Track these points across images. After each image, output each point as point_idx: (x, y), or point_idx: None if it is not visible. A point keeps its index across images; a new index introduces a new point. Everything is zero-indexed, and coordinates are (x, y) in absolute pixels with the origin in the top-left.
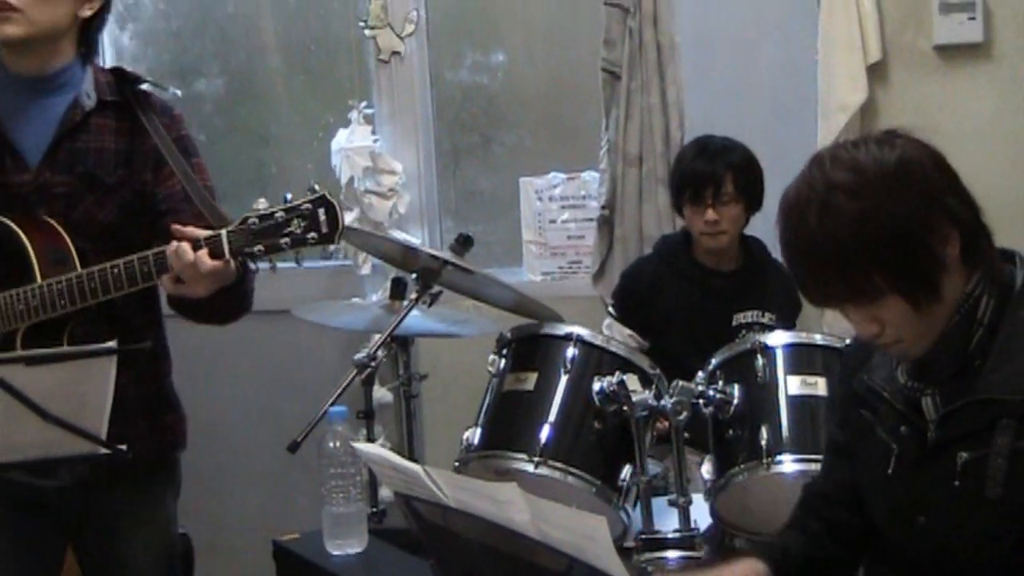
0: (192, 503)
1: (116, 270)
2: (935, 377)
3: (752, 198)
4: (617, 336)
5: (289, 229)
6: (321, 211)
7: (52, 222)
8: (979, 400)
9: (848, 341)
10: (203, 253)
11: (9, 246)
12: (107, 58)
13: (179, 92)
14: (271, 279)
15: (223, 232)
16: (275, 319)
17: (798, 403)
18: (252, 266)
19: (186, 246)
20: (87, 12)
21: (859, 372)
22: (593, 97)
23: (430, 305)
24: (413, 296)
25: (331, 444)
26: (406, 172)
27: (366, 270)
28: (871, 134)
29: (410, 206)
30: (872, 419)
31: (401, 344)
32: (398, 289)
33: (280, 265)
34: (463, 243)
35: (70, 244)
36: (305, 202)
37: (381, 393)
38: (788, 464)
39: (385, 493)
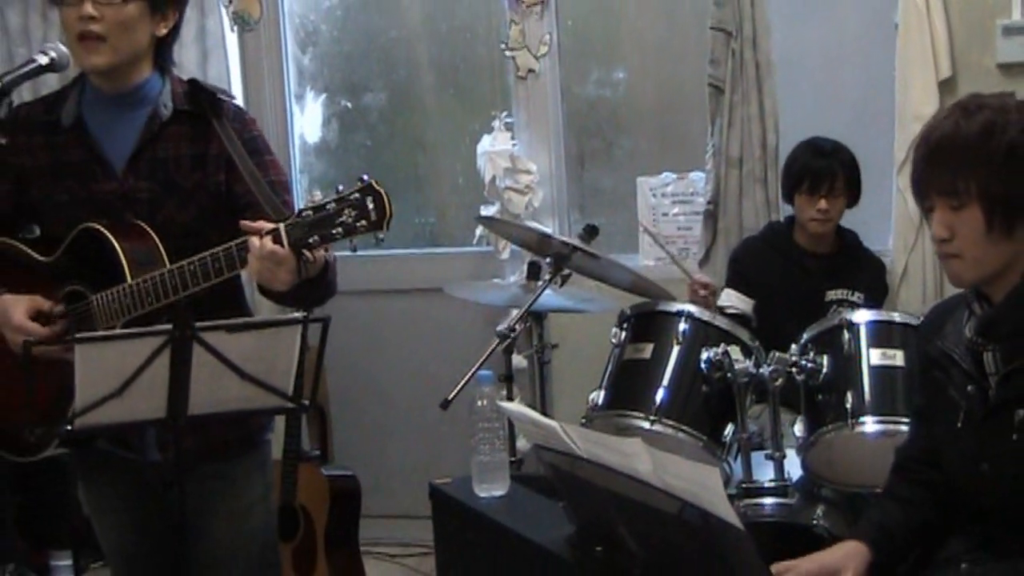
0: (360, 450)
1: (193, 267)
2: (998, 333)
3: (854, 193)
4: (726, 299)
5: (341, 219)
6: (369, 199)
7: (142, 225)
8: None
9: (922, 318)
10: (275, 245)
11: (101, 250)
12: (291, 76)
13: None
14: (429, 262)
15: (281, 225)
16: (430, 296)
17: (879, 372)
18: (330, 258)
19: (255, 240)
20: (163, 31)
21: (934, 339)
22: (700, 108)
23: (561, 285)
24: (547, 277)
25: (479, 403)
26: (540, 172)
27: (506, 255)
28: None
29: (543, 200)
30: (944, 379)
31: (536, 318)
32: (533, 271)
33: (434, 250)
34: (590, 232)
35: (159, 245)
36: (354, 192)
37: (518, 360)
38: (870, 425)
39: (521, 444)
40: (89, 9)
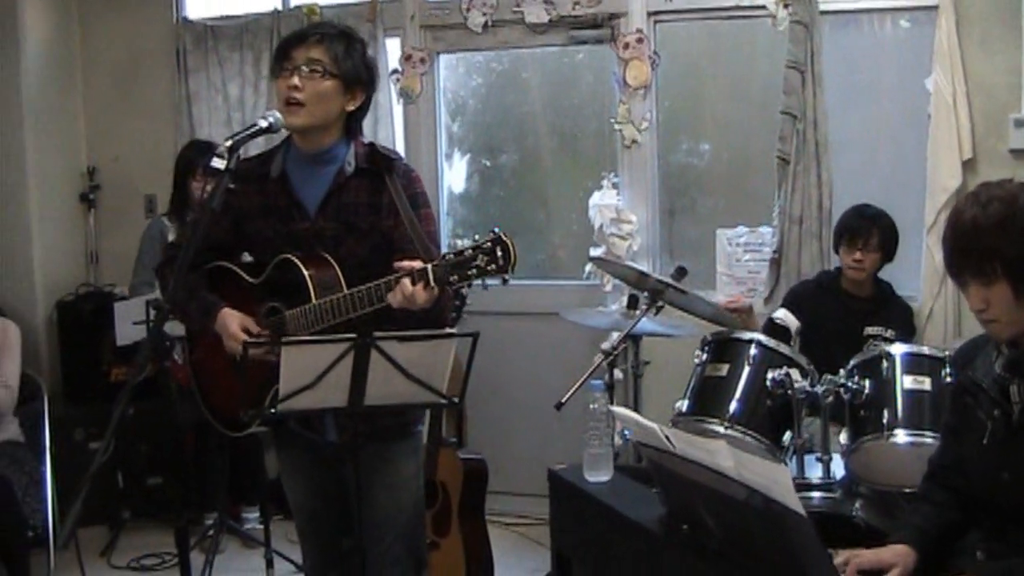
0: (488, 439)
1: (361, 294)
2: (1023, 370)
3: (888, 251)
4: (780, 314)
5: (475, 263)
6: (499, 248)
7: (328, 257)
8: None
9: (949, 352)
10: (420, 287)
11: (294, 276)
12: (443, 139)
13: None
14: (547, 292)
15: (429, 266)
16: (548, 319)
17: (910, 394)
18: (450, 293)
19: (406, 282)
20: (351, 107)
21: (965, 369)
22: (767, 175)
23: (656, 314)
24: (643, 307)
25: (592, 406)
26: (639, 222)
27: (609, 288)
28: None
29: (640, 245)
30: (973, 404)
31: (633, 340)
32: (632, 302)
33: (552, 282)
34: (680, 272)
35: (339, 274)
36: (486, 242)
37: (616, 372)
38: (901, 437)
39: (616, 440)
40: (295, 80)
